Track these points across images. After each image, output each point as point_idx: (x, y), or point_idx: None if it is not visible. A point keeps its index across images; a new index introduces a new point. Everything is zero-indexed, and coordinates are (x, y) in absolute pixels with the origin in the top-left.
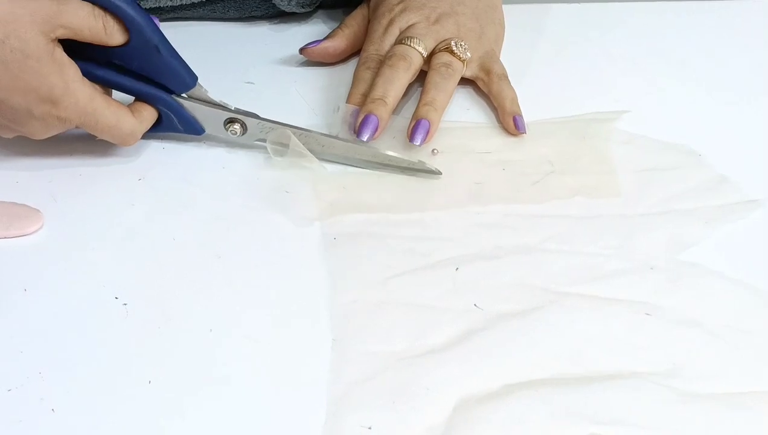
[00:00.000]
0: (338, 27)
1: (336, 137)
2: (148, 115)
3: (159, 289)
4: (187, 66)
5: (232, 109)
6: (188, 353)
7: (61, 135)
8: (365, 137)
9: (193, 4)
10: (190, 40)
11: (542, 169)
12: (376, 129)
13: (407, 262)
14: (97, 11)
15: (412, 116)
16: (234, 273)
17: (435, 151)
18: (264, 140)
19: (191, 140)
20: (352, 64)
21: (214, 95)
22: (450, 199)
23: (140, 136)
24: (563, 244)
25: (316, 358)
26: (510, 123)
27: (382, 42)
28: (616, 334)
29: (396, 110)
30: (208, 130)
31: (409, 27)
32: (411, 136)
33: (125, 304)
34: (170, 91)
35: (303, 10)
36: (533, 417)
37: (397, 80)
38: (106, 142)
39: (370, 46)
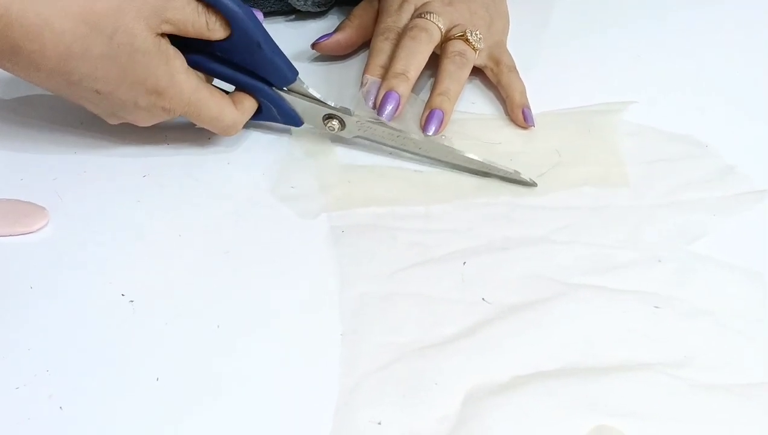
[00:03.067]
0: (346, 19)
1: (434, 139)
2: (249, 105)
3: (166, 285)
4: (288, 61)
5: (331, 105)
6: (196, 349)
7: (64, 133)
8: (385, 114)
9: None
10: None
11: (549, 160)
12: (398, 106)
13: (415, 255)
14: (201, 7)
15: (426, 105)
16: (241, 268)
17: (443, 136)
18: (362, 137)
19: (195, 136)
20: (361, 58)
21: (313, 90)
22: (457, 191)
23: (241, 126)
24: (571, 235)
25: (325, 351)
26: (519, 115)
27: (399, 15)
28: (626, 326)
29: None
30: (306, 123)
31: (424, 4)
32: (425, 127)
33: (132, 301)
34: (270, 83)
35: (318, 10)
36: (543, 408)
37: (419, 53)
38: (110, 138)
39: (387, 18)
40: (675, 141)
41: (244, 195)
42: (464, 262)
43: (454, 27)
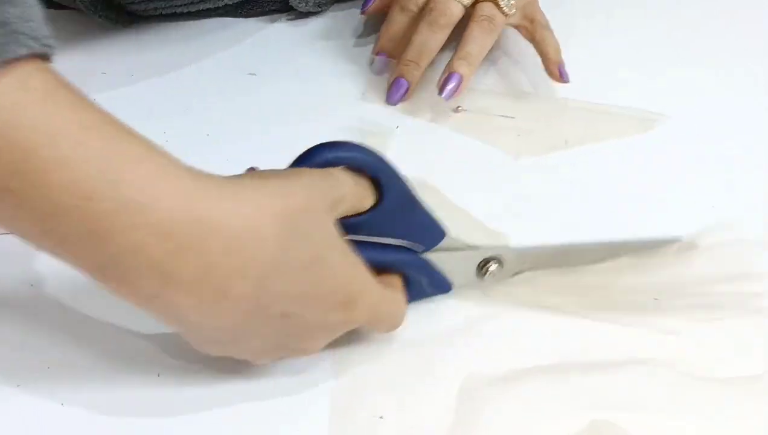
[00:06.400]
0: None
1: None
2: (399, 284)
3: None
4: (437, 217)
5: (485, 246)
6: None
7: None
8: (394, 99)
9: (208, 9)
10: (198, 35)
11: (554, 145)
12: (405, 93)
13: None
14: (358, 177)
15: (445, 68)
16: None
17: (459, 108)
18: (519, 272)
19: (194, 131)
20: (361, 54)
21: (463, 236)
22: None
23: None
24: (570, 224)
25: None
26: (555, 71)
27: None
28: (625, 318)
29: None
30: (457, 282)
31: None
32: (441, 89)
33: None
34: (412, 250)
35: (320, 9)
36: (541, 402)
37: (433, 41)
38: None
39: None
40: None
41: None
42: None
43: None
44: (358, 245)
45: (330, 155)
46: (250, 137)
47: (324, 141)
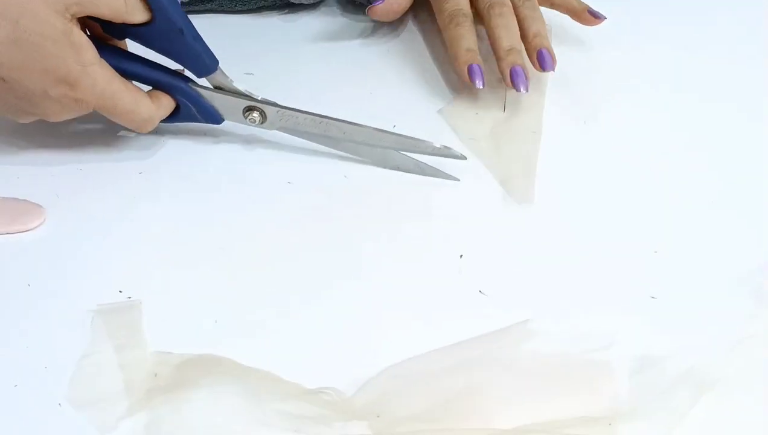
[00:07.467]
0: None
1: (358, 124)
2: (165, 102)
3: (163, 281)
4: (209, 50)
5: (251, 96)
6: (193, 346)
7: (60, 130)
8: (523, 87)
9: (203, 1)
10: None
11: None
12: (527, 77)
13: (412, 248)
14: None
15: (503, 64)
16: (238, 264)
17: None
18: (285, 129)
19: (192, 133)
20: (353, 54)
21: (237, 83)
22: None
23: (158, 122)
24: (567, 224)
25: (322, 344)
26: (588, 17)
27: None
28: (622, 317)
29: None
30: (227, 119)
31: None
32: (517, 86)
33: (129, 298)
34: (187, 79)
35: (311, 2)
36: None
37: (513, 26)
38: (106, 135)
39: (446, 4)
40: None
41: (240, 191)
42: (461, 255)
43: None
44: (128, 56)
45: None
46: (246, 132)
47: None
